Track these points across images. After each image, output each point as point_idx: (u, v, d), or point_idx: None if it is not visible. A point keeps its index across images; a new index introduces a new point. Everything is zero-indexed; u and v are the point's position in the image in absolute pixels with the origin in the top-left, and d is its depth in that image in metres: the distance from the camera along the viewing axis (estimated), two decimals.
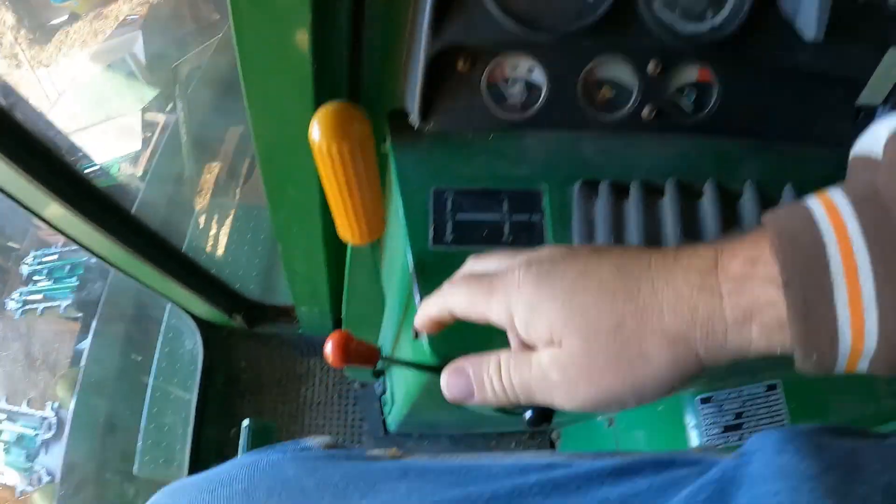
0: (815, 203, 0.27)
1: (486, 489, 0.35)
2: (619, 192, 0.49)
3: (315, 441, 0.46)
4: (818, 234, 0.26)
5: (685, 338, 0.28)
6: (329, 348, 0.41)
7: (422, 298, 0.44)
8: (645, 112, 0.51)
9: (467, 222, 0.49)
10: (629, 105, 0.51)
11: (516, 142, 0.52)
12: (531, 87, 0.50)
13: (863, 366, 0.27)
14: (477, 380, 0.34)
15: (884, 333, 0.25)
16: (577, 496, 0.34)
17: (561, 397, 0.31)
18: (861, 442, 0.32)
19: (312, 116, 0.33)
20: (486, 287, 0.34)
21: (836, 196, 0.27)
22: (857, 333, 0.25)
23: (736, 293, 0.27)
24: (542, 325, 0.31)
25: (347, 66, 0.49)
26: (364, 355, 0.44)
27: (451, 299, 0.36)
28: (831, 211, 0.26)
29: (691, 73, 0.50)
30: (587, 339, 0.29)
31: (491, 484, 0.36)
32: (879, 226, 0.25)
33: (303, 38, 0.41)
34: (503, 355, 0.34)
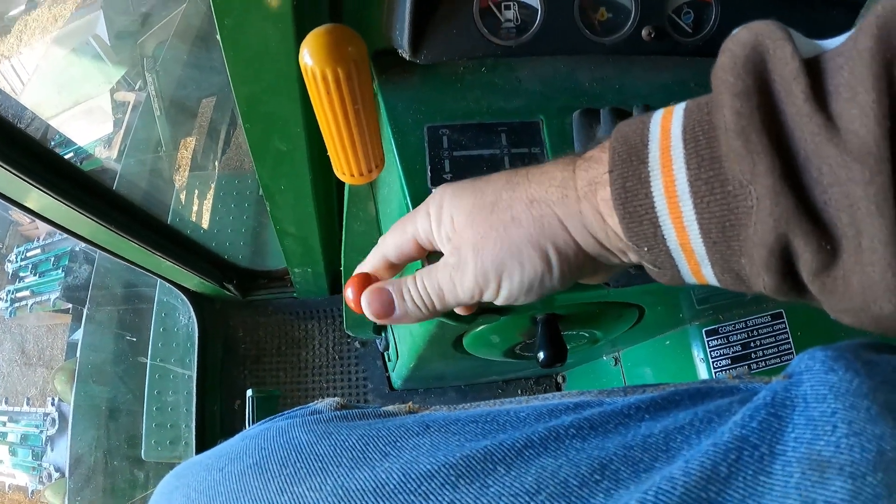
0: (659, 111, 0.30)
1: (519, 436, 0.33)
2: (621, 117, 0.48)
3: (324, 403, 0.44)
4: (646, 133, 0.29)
5: (545, 200, 0.32)
6: (350, 293, 0.40)
7: None
8: (644, 33, 0.50)
9: (466, 158, 0.47)
10: (627, 26, 0.50)
11: (509, 73, 0.50)
12: (526, 10, 0.47)
13: (707, 273, 0.29)
14: (397, 293, 0.38)
15: (702, 226, 0.27)
16: (617, 435, 0.32)
17: (458, 279, 0.35)
18: None
19: (302, 42, 0.31)
20: (410, 215, 0.38)
21: (681, 104, 0.29)
22: (677, 224, 0.28)
23: (584, 169, 0.32)
24: (447, 216, 0.35)
25: (328, 5, 0.46)
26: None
27: (384, 243, 0.40)
28: (667, 116, 0.29)
29: None
30: (471, 213, 0.34)
31: (522, 430, 0.34)
32: (698, 127, 0.27)
33: None
34: (418, 271, 0.38)
